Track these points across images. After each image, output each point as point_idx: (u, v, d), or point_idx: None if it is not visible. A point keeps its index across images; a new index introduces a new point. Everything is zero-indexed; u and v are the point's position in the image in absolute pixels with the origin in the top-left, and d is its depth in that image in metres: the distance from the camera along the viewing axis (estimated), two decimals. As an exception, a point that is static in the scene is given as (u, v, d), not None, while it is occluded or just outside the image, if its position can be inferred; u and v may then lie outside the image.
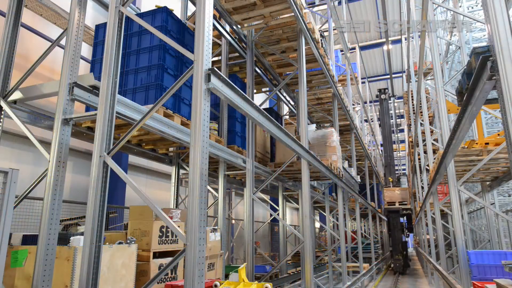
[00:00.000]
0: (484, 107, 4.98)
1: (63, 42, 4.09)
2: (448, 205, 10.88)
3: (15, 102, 4.20)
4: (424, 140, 11.58)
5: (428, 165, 10.43)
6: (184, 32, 5.63)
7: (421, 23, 6.97)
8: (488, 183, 9.00)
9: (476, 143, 6.27)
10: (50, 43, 6.78)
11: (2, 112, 4.14)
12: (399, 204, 18.52)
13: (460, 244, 5.57)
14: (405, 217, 21.80)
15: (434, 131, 11.99)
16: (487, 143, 6.23)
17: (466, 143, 6.25)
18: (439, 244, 8.57)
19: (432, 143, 10.14)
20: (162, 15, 5.22)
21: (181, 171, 7.90)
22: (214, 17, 6.96)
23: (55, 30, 7.35)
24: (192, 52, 3.16)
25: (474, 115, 3.55)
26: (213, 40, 5.87)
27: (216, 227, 6.08)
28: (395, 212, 18.75)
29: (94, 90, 3.84)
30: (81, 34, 3.96)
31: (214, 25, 7.01)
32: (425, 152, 11.60)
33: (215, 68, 3.13)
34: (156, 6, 5.70)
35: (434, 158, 8.18)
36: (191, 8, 8.71)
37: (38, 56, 4.35)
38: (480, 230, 11.36)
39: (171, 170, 7.86)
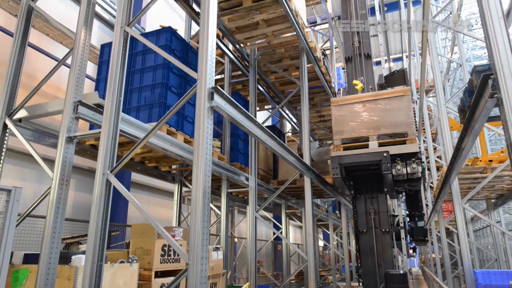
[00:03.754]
0: (487, 124, 4.99)
1: (68, 61, 4.16)
2: (453, 223, 10.74)
3: (20, 120, 4.24)
4: (427, 157, 11.54)
5: (432, 183, 10.36)
6: (187, 51, 5.71)
7: (422, 41, 7.05)
8: (493, 200, 8.92)
9: (480, 161, 6.24)
10: (55, 62, 6.89)
11: (7, 130, 4.17)
12: (382, 144, 5.32)
13: (467, 263, 5.47)
14: (403, 197, 7.59)
15: (437, 148, 11.96)
16: (491, 160, 6.20)
17: (470, 161, 6.22)
18: (445, 263, 8.42)
19: (436, 160, 10.11)
20: (166, 34, 5.31)
21: (184, 189, 7.87)
22: (217, 36, 7.07)
23: (61, 49, 7.48)
24: (196, 70, 3.20)
25: (477, 133, 3.55)
26: (216, 58, 5.95)
27: (218, 246, 6.01)
28: (370, 169, 5.61)
29: (98, 108, 3.87)
30: (86, 53, 4.03)
31: (217, 44, 7.11)
32: (428, 169, 11.54)
33: (218, 87, 3.16)
34: (160, 26, 5.81)
35: (438, 176, 8.13)
36: (195, 27, 8.86)
37: (44, 75, 4.42)
38: (487, 249, 11.18)
39: (174, 187, 7.84)
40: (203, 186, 2.84)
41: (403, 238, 6.09)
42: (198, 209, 2.79)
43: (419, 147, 5.06)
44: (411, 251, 6.78)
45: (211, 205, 7.72)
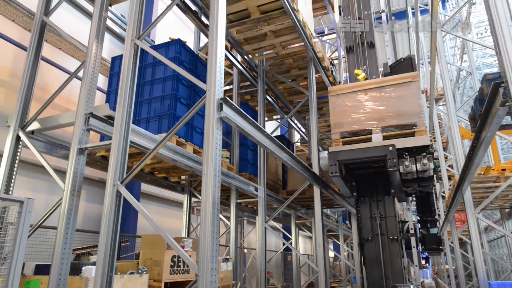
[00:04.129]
0: (499, 132, 4.92)
1: (80, 73, 4.24)
2: (466, 233, 10.54)
3: (32, 132, 4.31)
4: (438, 167, 11.40)
5: (443, 192, 10.21)
6: (196, 63, 5.78)
7: (431, 50, 7.03)
8: (507, 210, 8.74)
9: (493, 169, 6.14)
10: (67, 75, 7.02)
11: (20, 142, 4.24)
12: (387, 137, 4.66)
13: (481, 275, 5.35)
14: (412, 198, 6.61)
15: (448, 157, 11.82)
16: (504, 169, 6.11)
17: (482, 170, 6.13)
18: (459, 275, 8.24)
19: (447, 169, 9.98)
20: (175, 47, 5.39)
21: (193, 199, 7.88)
22: (226, 47, 7.15)
23: (73, 62, 7.62)
24: (205, 82, 3.23)
25: (489, 141, 3.50)
26: (224, 69, 6.00)
27: (228, 257, 5.98)
28: (374, 167, 5.03)
29: (109, 120, 3.92)
30: (97, 66, 4.10)
31: (225, 55, 7.18)
32: (440, 178, 11.39)
33: (227, 98, 3.18)
34: (170, 38, 5.89)
35: (450, 185, 8.02)
36: (204, 39, 8.97)
37: (55, 87, 4.50)
38: (502, 260, 10.93)
39: (183, 198, 7.85)
40: (212, 197, 2.85)
41: (414, 247, 5.45)
42: (207, 220, 2.79)
43: (431, 140, 4.41)
44: (423, 262, 6.18)
45: (220, 215, 7.70)
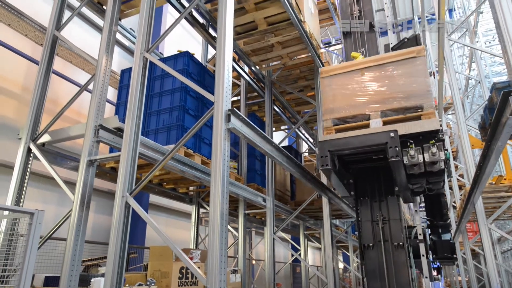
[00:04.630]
0: (510, 142, 4.86)
1: (90, 86, 4.30)
2: (479, 244, 10.34)
3: (43, 144, 4.37)
4: (449, 178, 11.25)
5: (454, 202, 10.06)
6: (204, 74, 5.83)
7: (439, 59, 7.00)
8: (520, 220, 8.57)
9: (505, 179, 6.05)
10: (77, 87, 7.13)
11: (31, 154, 4.30)
12: (388, 123, 4.00)
13: (495, 287, 5.23)
14: (421, 200, 6.26)
15: (458, 167, 11.67)
16: (516, 179, 6.01)
17: (494, 179, 6.04)
18: (472, 287, 8.07)
19: (458, 179, 9.85)
20: (184, 59, 5.45)
21: (201, 210, 7.87)
22: (233, 59, 7.21)
23: (83, 75, 7.75)
24: (213, 93, 3.26)
25: (500, 151, 3.46)
26: (232, 80, 6.05)
27: (236, 268, 5.94)
28: (374, 159, 4.43)
29: (118, 132, 3.96)
30: (107, 79, 4.16)
31: (233, 66, 7.24)
32: (450, 188, 11.24)
33: (235, 109, 3.20)
34: (178, 51, 5.97)
35: (461, 195, 7.91)
36: (211, 51, 9.07)
37: (66, 100, 4.57)
38: (516, 271, 10.68)
39: (191, 209, 7.85)
40: (220, 208, 2.85)
41: (423, 255, 4.68)
42: (216, 231, 2.79)
43: (441, 125, 3.69)
44: (435, 273, 5.52)
45: (228, 226, 7.68)
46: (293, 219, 8.82)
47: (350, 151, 3.87)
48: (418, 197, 5.13)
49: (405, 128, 3.71)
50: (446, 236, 5.15)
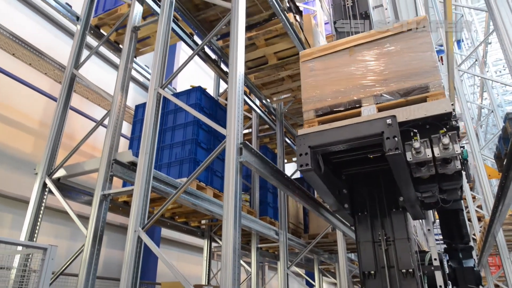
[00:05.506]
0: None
1: (105, 121, 4.41)
2: (503, 279, 9.87)
3: (58, 179, 4.44)
4: (466, 207, 10.96)
5: (474, 234, 9.72)
6: (216, 108, 5.94)
7: (449, 89, 7.02)
8: (545, 253, 8.20)
9: (525, 210, 5.85)
10: (92, 122, 7.31)
11: (46, 189, 4.36)
12: (384, 109, 3.12)
13: (524, 326, 4.94)
14: (435, 217, 5.08)
15: (476, 197, 11.37)
16: (537, 210, 5.81)
17: (514, 210, 5.85)
18: (499, 325, 7.63)
19: (476, 210, 9.57)
20: (196, 93, 5.57)
21: (213, 244, 7.76)
22: (245, 92, 7.35)
23: (98, 110, 7.96)
24: (225, 127, 3.30)
25: (518, 181, 3.38)
26: (244, 114, 6.14)
27: (249, 305, 5.76)
28: (371, 160, 3.59)
29: (132, 166, 4.01)
30: (122, 115, 4.27)
31: (244, 100, 7.36)
32: (469, 220, 10.91)
33: (246, 142, 3.23)
34: (191, 86, 6.12)
35: (480, 227, 7.66)
36: (223, 85, 9.27)
37: (82, 134, 4.69)
38: (545, 309, 10.09)
39: (203, 243, 7.75)
40: (233, 242, 2.81)
41: (440, 287, 3.64)
42: (228, 266, 2.74)
43: (453, 109, 2.83)
44: None
45: (241, 261, 7.52)
46: (307, 253, 8.61)
47: (337, 147, 3.06)
48: (430, 213, 4.29)
49: (406, 114, 2.87)
50: (469, 263, 4.16)
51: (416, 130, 2.82)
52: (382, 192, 3.67)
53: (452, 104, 2.84)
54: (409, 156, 2.81)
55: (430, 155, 2.77)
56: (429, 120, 2.82)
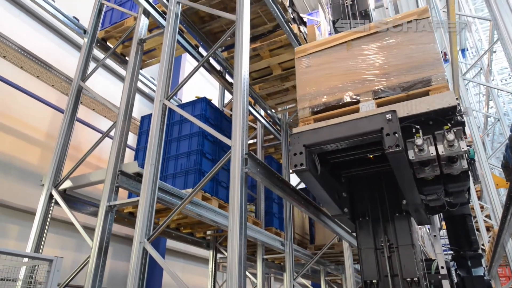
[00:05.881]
0: (536, 180, 4.69)
1: (111, 132, 4.44)
2: (513, 290, 9.68)
3: (65, 190, 4.46)
4: (474, 217, 10.82)
5: (483, 245, 9.58)
6: (221, 119, 5.96)
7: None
8: (556, 264, 8.05)
9: (535, 220, 5.76)
10: (98, 133, 7.36)
11: (53, 201, 4.38)
12: (384, 104, 2.96)
13: None
14: (441, 223, 4.80)
15: (484, 207, 11.23)
16: (547, 219, 5.72)
17: (523, 220, 5.76)
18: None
19: (484, 220, 9.45)
20: (201, 104, 5.61)
21: (219, 255, 7.71)
22: (249, 103, 7.37)
23: (104, 122, 8.02)
24: (230, 137, 3.31)
25: (527, 190, 3.33)
26: (248, 124, 6.15)
27: (255, 317, 5.70)
28: (372, 162, 3.55)
29: (137, 177, 4.02)
30: (128, 126, 4.30)
31: (249, 110, 7.39)
32: (477, 230, 10.76)
33: (252, 153, 3.23)
34: (196, 97, 6.16)
35: (489, 237, 7.55)
36: (228, 96, 9.32)
37: (88, 146, 4.72)
38: (558, 321, 9.86)
39: (208, 254, 7.70)
40: (238, 253, 2.79)
41: None
42: (234, 277, 2.72)
43: (458, 103, 2.67)
44: None
45: (246, 272, 7.46)
46: (313, 264, 8.52)
47: (334, 145, 2.90)
48: (436, 218, 4.05)
49: (407, 108, 2.71)
50: (478, 271, 4.02)
51: (418, 126, 2.67)
52: (384, 196, 3.51)
53: (457, 98, 2.68)
54: (411, 154, 2.64)
55: (434, 153, 2.61)
56: (432, 115, 2.66)
